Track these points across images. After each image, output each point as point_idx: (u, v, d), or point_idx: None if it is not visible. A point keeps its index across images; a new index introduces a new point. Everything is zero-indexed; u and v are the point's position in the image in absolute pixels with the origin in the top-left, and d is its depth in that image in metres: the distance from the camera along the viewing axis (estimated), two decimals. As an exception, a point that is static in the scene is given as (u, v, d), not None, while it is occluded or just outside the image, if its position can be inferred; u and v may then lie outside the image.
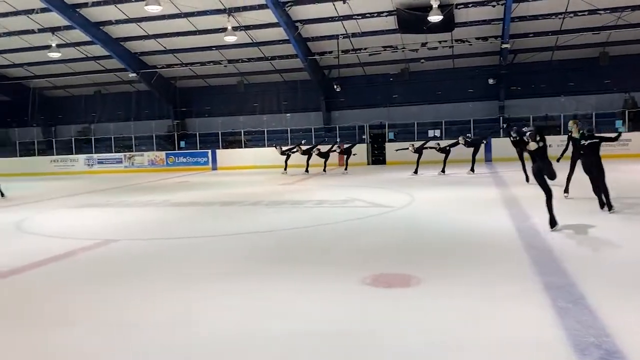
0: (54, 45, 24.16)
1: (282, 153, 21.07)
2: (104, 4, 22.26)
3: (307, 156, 20.35)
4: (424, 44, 24.73)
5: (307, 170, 20.29)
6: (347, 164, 20.53)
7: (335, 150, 20.58)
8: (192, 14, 22.83)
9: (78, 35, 24.24)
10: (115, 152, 29.07)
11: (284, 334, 3.95)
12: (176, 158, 27.80)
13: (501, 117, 25.57)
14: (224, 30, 22.55)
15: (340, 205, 11.10)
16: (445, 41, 24.24)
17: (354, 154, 20.97)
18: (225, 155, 27.24)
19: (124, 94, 31.44)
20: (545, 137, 7.47)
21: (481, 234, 7.45)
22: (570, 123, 10.17)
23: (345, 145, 21.07)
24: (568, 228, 7.33)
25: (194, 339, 3.93)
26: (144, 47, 26.35)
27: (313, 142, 26.80)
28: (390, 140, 25.83)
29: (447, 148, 17.17)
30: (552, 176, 7.23)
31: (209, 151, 27.50)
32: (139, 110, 31.38)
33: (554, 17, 21.82)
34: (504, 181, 14.64)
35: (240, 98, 29.70)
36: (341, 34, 24.10)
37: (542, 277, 5.07)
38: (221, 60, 27.36)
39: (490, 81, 25.77)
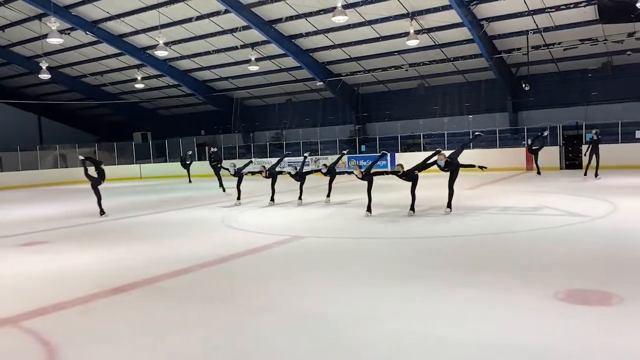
0: (253, 59, 26.95)
1: (235, 174, 14.95)
2: (295, 18, 24.09)
3: (271, 179, 14.31)
4: (630, 34, 21.90)
5: (272, 199, 14.15)
6: (330, 189, 14.05)
7: (320, 170, 14.22)
8: (375, 21, 23.46)
9: (273, 49, 26.66)
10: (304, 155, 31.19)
11: (457, 343, 3.88)
12: (357, 161, 28.79)
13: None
14: (406, 34, 22.73)
15: (529, 213, 10.39)
16: (659, 29, 21.16)
17: (348, 173, 13.57)
18: (403, 159, 27.31)
19: (312, 101, 33.67)
20: None
21: None
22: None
23: (329, 163, 15.03)
24: None
25: (364, 337, 4.08)
26: (330, 56, 27.87)
27: (498, 144, 25.59)
28: (587, 143, 23.35)
29: (415, 173, 10.70)
30: None
31: (388, 154, 27.87)
32: (325, 117, 33.30)
33: None
34: None
35: (420, 101, 29.60)
36: (531, 29, 22.56)
37: None
38: (402, 65, 27.59)
39: None
